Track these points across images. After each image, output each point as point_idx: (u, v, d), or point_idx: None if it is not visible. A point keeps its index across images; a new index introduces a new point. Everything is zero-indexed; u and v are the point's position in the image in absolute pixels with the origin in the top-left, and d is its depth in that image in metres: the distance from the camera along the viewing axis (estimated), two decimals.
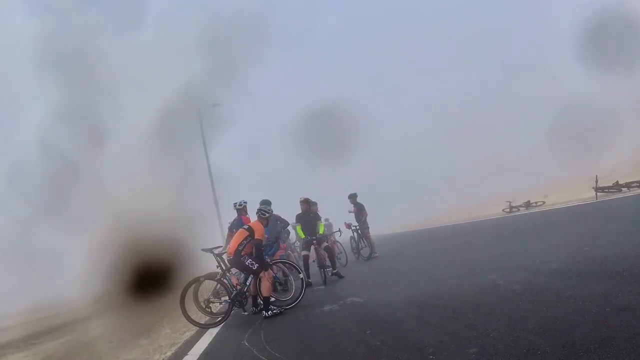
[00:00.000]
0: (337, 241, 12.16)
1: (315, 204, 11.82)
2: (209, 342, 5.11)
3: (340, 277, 8.56)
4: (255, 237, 6.11)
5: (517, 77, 33.09)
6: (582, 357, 2.30)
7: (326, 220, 12.04)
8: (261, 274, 6.07)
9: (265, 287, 6.01)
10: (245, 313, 6.26)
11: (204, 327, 6.00)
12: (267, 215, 6.44)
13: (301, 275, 6.74)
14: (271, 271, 6.42)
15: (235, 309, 6.24)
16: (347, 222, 11.97)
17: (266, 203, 7.22)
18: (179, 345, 5.44)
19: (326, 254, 8.73)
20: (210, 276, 6.40)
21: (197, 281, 6.31)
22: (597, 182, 12.40)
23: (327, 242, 9.22)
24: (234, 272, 6.55)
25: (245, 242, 6.13)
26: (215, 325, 6.00)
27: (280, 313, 5.88)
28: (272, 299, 6.19)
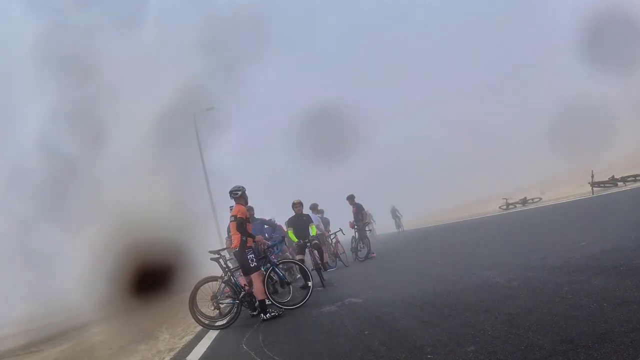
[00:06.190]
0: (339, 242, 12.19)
1: (321, 211, 11.88)
2: (207, 346, 5.10)
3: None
4: (238, 216, 6.07)
5: (515, 75, 33.20)
6: (580, 352, 2.29)
7: (321, 216, 11.97)
8: (253, 275, 6.01)
9: (258, 290, 5.97)
10: (254, 313, 6.21)
11: (214, 329, 5.99)
12: (239, 193, 6.31)
13: (310, 283, 6.58)
14: (263, 273, 6.31)
15: (243, 309, 6.25)
16: (352, 222, 12.02)
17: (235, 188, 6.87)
18: (177, 350, 5.42)
19: (316, 252, 8.54)
20: (217, 277, 6.38)
21: (205, 282, 6.29)
22: (592, 177, 12.43)
23: (317, 241, 8.96)
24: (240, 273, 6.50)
25: (239, 230, 6.08)
26: (223, 327, 5.99)
27: (279, 315, 5.86)
28: (268, 302, 6.16)
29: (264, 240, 6.98)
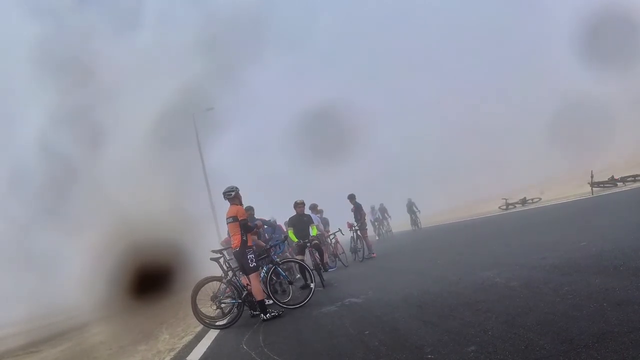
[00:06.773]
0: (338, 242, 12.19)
1: (321, 211, 11.89)
2: (207, 346, 5.10)
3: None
4: (240, 218, 6.04)
5: (515, 75, 33.16)
6: (580, 352, 2.29)
7: (320, 216, 11.97)
8: (251, 275, 5.99)
9: (256, 290, 5.95)
10: (255, 313, 6.20)
11: (216, 328, 6.00)
12: (233, 193, 6.18)
13: (312, 284, 6.59)
14: (259, 274, 6.30)
15: (246, 309, 6.26)
16: (350, 222, 12.00)
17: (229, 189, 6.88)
18: (177, 350, 5.42)
19: (316, 252, 8.55)
20: (219, 277, 6.38)
21: (206, 282, 6.29)
22: (592, 177, 12.43)
23: (317, 241, 8.97)
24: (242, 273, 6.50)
25: (243, 231, 6.06)
26: (224, 327, 6.00)
27: (280, 315, 5.86)
28: (269, 302, 6.16)
29: (263, 225, 6.98)
